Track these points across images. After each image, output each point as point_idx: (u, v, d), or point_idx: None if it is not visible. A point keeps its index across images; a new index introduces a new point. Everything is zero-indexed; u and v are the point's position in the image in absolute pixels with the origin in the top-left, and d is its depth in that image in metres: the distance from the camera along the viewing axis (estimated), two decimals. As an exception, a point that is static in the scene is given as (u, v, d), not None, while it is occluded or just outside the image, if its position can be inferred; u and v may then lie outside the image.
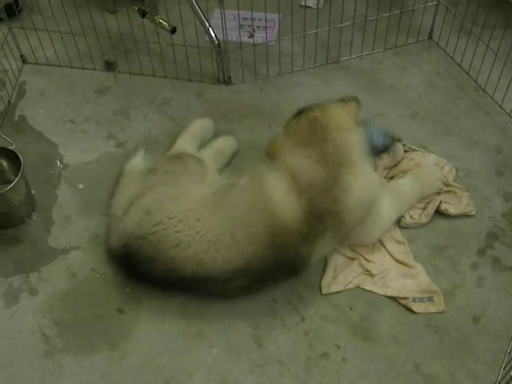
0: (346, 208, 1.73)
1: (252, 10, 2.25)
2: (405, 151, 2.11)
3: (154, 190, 1.83)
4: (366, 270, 1.87)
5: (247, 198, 1.77)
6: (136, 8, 2.32)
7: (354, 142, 1.80)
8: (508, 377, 1.61)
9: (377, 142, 2.01)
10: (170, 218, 1.75)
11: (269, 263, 1.72)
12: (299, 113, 1.88)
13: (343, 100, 1.91)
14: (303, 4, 2.64)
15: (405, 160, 2.09)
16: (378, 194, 1.84)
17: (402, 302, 1.82)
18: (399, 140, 2.10)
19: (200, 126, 2.17)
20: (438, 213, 1.99)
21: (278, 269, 1.74)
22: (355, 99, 1.93)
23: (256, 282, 1.76)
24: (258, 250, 1.70)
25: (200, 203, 1.78)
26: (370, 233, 1.88)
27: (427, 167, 2.04)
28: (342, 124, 1.82)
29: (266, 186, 1.76)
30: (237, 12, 2.29)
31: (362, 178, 1.77)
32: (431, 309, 1.80)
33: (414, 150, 2.12)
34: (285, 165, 1.79)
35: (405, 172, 2.05)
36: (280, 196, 1.73)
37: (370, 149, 2.02)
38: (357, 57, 2.50)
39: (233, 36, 2.47)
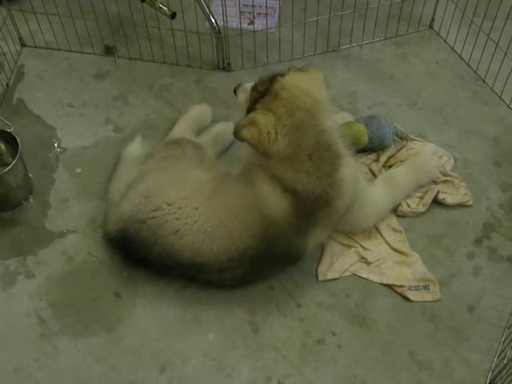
0: (336, 200, 1.72)
1: (253, -3, 2.24)
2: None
3: (153, 175, 1.83)
4: (363, 258, 1.88)
5: (239, 190, 1.76)
6: (136, -8, 2.31)
7: (331, 127, 1.72)
8: (502, 365, 1.62)
9: (388, 140, 2.04)
10: (169, 204, 1.75)
11: (263, 255, 1.72)
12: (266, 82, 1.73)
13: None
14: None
15: (403, 149, 2.09)
16: (360, 176, 1.84)
17: (398, 290, 1.82)
18: (406, 139, 2.10)
19: (198, 111, 2.16)
20: (436, 202, 1.99)
21: (273, 260, 1.75)
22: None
23: (252, 272, 1.76)
24: (251, 242, 1.70)
25: (197, 190, 1.78)
26: (364, 219, 1.88)
27: (424, 155, 2.05)
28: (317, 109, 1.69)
29: (254, 179, 1.74)
30: (237, -2, 2.28)
31: (348, 169, 1.73)
32: (427, 297, 1.81)
33: (412, 140, 2.12)
34: (268, 167, 1.72)
35: (403, 161, 2.05)
36: (267, 189, 1.71)
37: (379, 142, 2.04)
38: (357, 45, 2.49)
39: (233, 22, 2.47)
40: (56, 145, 2.19)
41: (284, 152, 1.67)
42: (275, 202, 1.70)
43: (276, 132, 1.65)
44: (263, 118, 1.66)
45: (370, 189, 1.89)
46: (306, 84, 1.70)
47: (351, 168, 1.75)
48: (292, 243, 1.73)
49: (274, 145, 1.66)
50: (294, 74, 1.71)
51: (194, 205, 1.75)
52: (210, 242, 1.71)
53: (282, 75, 1.72)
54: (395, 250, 1.90)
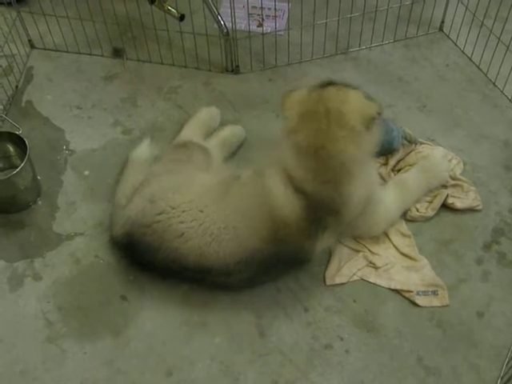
0: (347, 207, 1.70)
1: (261, -1, 2.24)
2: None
3: (159, 179, 1.83)
4: (371, 263, 1.87)
5: (249, 191, 1.75)
6: (145, -6, 2.31)
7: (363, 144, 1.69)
8: (511, 372, 1.60)
9: (397, 143, 2.03)
10: (173, 208, 1.74)
11: (271, 257, 1.70)
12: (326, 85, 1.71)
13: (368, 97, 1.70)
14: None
15: (412, 153, 2.08)
16: (375, 188, 1.82)
17: (406, 295, 1.81)
18: (415, 142, 2.09)
19: (207, 114, 2.16)
20: (445, 206, 1.97)
21: (281, 263, 1.74)
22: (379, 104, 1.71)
23: (259, 275, 1.75)
24: (259, 244, 1.69)
25: (203, 193, 1.77)
26: (375, 225, 1.87)
27: (433, 159, 2.03)
28: (357, 124, 1.64)
29: (265, 180, 1.73)
30: (246, 0, 2.27)
31: (360, 178, 1.70)
32: (435, 302, 1.80)
33: (421, 143, 2.11)
34: (281, 161, 1.72)
35: (412, 165, 2.04)
36: (278, 190, 1.70)
37: (388, 146, 2.02)
38: (366, 48, 2.48)
39: (241, 25, 2.46)
40: (64, 147, 2.19)
41: (295, 130, 1.66)
42: (286, 203, 1.68)
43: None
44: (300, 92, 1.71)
45: (381, 195, 1.87)
46: (352, 106, 1.64)
47: (362, 186, 1.71)
48: (302, 246, 1.72)
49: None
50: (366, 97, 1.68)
51: (199, 207, 1.74)
52: (217, 245, 1.70)
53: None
54: (403, 255, 1.89)
